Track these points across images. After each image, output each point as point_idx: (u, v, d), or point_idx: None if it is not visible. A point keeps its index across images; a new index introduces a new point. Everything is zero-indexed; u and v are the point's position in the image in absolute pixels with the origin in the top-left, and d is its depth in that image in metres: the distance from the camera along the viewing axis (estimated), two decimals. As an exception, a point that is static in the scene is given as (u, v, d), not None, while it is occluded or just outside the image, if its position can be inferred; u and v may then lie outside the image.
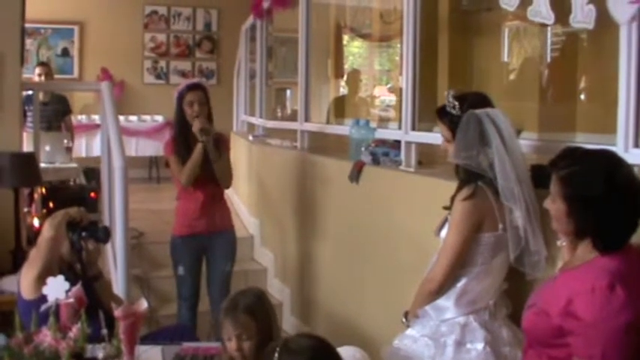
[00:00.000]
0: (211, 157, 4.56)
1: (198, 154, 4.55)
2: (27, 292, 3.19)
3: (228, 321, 2.87)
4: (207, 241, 4.76)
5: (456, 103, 2.92)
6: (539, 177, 2.93)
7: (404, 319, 3.07)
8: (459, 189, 2.91)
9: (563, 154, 2.28)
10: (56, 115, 7.54)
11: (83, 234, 3.24)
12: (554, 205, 2.25)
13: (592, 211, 2.16)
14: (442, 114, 3.00)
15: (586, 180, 2.16)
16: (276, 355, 2.16)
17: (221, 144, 4.69)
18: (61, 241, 3.21)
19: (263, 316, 2.92)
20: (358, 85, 8.06)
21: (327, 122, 6.66)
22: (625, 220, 2.17)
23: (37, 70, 7.75)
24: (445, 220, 3.00)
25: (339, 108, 7.31)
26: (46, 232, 3.17)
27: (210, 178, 4.65)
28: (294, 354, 2.17)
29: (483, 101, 2.95)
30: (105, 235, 3.38)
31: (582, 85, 4.91)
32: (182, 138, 4.65)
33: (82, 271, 3.31)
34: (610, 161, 2.21)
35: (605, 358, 2.06)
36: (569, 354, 2.16)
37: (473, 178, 2.86)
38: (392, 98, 8.19)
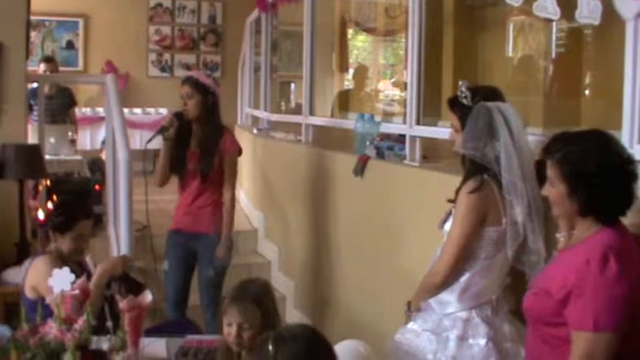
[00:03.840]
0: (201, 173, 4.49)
1: (162, 154, 4.53)
2: (30, 294, 3.22)
3: (235, 308, 2.86)
4: (194, 242, 4.63)
5: (469, 93, 2.92)
6: (545, 172, 2.94)
7: (406, 309, 3.07)
8: (465, 181, 2.91)
9: (554, 138, 2.32)
10: (61, 108, 7.53)
11: (119, 283, 3.25)
12: (554, 189, 2.28)
13: (593, 186, 2.20)
14: (454, 104, 3.01)
15: (582, 156, 2.22)
16: (271, 343, 2.16)
17: (224, 146, 4.54)
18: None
19: (268, 308, 2.92)
20: (365, 81, 8.06)
21: (332, 116, 6.65)
22: (622, 191, 2.22)
23: (42, 67, 7.70)
24: (449, 214, 3.00)
25: (344, 102, 7.31)
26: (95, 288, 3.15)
27: (196, 175, 4.53)
28: (289, 342, 2.17)
29: (495, 95, 2.95)
30: (138, 290, 3.40)
31: (587, 80, 4.91)
32: (176, 130, 4.53)
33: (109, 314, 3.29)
34: (601, 137, 2.27)
35: (598, 328, 2.09)
36: (569, 333, 2.19)
37: (479, 170, 2.86)
38: (396, 92, 8.20)
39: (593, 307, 2.11)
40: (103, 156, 7.50)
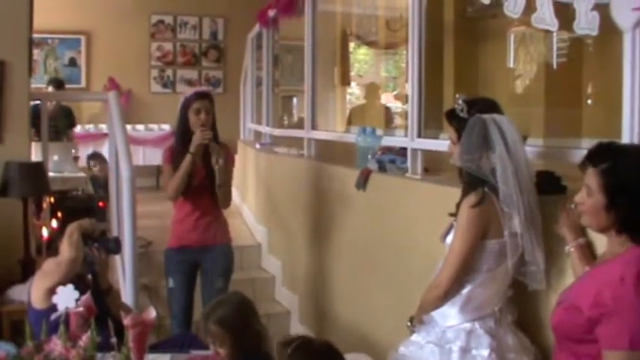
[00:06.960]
0: (217, 182, 4.45)
1: (186, 166, 4.41)
2: (38, 302, 3.22)
3: (202, 328, 2.96)
4: (199, 255, 4.58)
5: (465, 106, 2.94)
6: (546, 183, 2.95)
7: (409, 323, 3.08)
8: (465, 194, 2.91)
9: (599, 148, 2.27)
10: (58, 129, 7.51)
11: (95, 245, 3.28)
12: (591, 199, 2.22)
13: (635, 204, 2.15)
14: (451, 116, 3.02)
15: (628, 171, 2.16)
16: (291, 347, 2.21)
17: (227, 158, 4.56)
18: (81, 259, 3.24)
19: (236, 326, 2.96)
20: (377, 97, 8.10)
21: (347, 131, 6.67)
22: None
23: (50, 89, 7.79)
24: (451, 227, 3.00)
25: (358, 117, 7.36)
26: (68, 252, 3.19)
27: (204, 190, 4.51)
28: (307, 356, 2.21)
29: (492, 107, 2.96)
30: (116, 246, 3.42)
31: (588, 90, 4.92)
32: (182, 147, 4.50)
33: (95, 282, 3.34)
34: None
35: (634, 347, 2.06)
36: (600, 351, 2.15)
37: (477, 183, 2.86)
38: (398, 105, 8.23)
39: (628, 326, 2.07)
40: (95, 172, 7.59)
